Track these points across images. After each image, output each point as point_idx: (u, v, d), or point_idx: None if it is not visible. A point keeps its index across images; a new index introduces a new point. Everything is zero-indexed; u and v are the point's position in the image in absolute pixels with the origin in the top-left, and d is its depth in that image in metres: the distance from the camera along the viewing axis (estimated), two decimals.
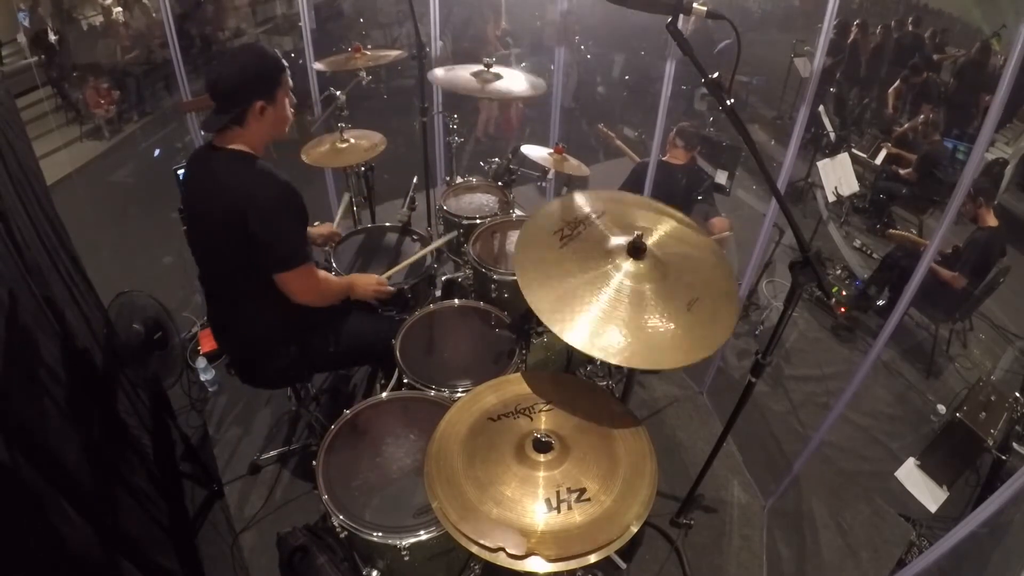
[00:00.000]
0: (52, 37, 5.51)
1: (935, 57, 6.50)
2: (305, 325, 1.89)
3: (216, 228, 1.65)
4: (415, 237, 2.54)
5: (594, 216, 1.56)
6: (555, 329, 1.30)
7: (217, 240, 1.68)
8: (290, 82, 1.68)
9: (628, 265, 1.41)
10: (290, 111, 1.72)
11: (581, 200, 1.63)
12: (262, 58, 1.62)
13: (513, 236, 2.47)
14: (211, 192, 1.63)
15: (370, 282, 1.99)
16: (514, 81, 2.50)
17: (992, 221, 3.34)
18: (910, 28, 6.93)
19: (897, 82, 6.02)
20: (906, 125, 5.35)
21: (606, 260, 1.43)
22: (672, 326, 1.33)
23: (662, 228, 1.57)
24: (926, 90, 5.79)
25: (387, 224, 2.59)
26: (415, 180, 2.62)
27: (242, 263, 1.69)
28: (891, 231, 4.22)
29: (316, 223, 2.34)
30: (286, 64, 1.66)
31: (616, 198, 1.69)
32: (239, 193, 1.58)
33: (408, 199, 2.56)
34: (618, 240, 1.48)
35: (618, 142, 3.78)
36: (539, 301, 1.36)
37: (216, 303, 1.90)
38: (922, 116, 4.86)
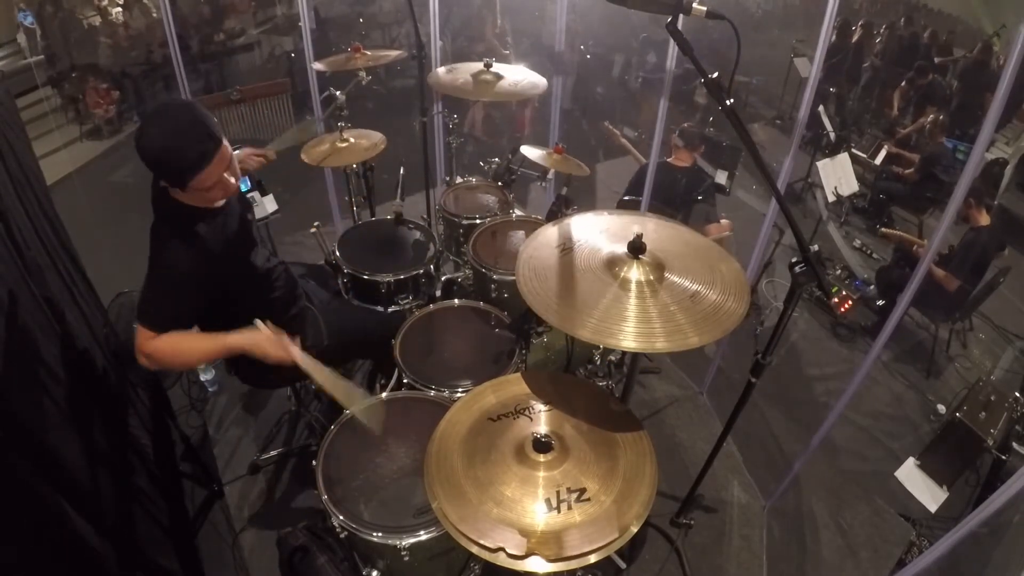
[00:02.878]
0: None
1: (937, 60, 6.49)
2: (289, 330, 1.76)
3: None
4: (411, 226, 2.55)
5: (578, 241, 1.55)
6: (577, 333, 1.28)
7: None
8: (223, 163, 1.47)
9: (632, 264, 1.41)
10: (219, 191, 1.53)
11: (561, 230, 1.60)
12: (165, 153, 1.42)
13: (513, 236, 2.48)
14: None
15: (274, 340, 1.61)
16: (521, 77, 2.50)
17: (984, 220, 3.33)
18: (910, 29, 6.92)
19: (903, 83, 6.00)
20: (910, 127, 5.34)
21: (609, 266, 1.44)
22: (694, 292, 1.34)
23: (650, 229, 1.57)
24: (931, 92, 5.77)
25: (385, 218, 2.61)
26: (402, 171, 2.63)
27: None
28: (884, 230, 4.21)
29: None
30: (201, 159, 1.43)
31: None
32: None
33: (399, 190, 2.57)
34: (614, 247, 1.48)
35: (623, 140, 3.77)
36: (545, 303, 1.36)
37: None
38: (931, 116, 4.84)
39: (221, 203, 1.64)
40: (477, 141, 5.46)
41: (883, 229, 4.24)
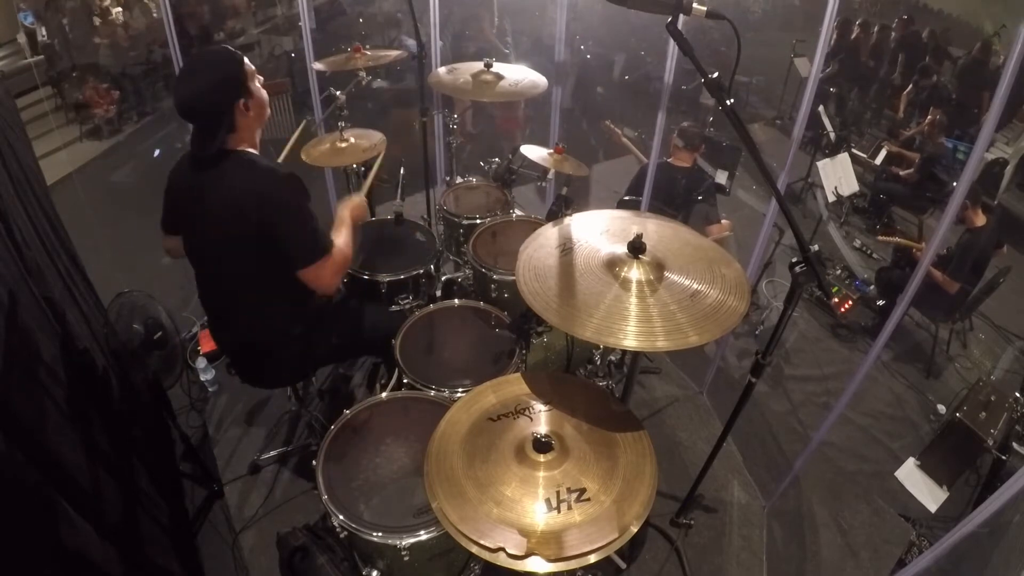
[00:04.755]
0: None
1: (929, 61, 6.49)
2: (311, 318, 1.89)
3: (224, 233, 1.64)
4: (411, 226, 2.55)
5: (578, 241, 1.55)
6: (575, 331, 1.28)
7: (225, 245, 1.67)
8: (251, 64, 1.64)
9: (632, 264, 1.41)
10: (263, 91, 1.69)
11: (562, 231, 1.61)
12: (220, 61, 1.59)
13: (513, 236, 2.48)
14: (218, 197, 1.61)
15: (358, 208, 1.94)
16: (521, 77, 2.51)
17: (980, 221, 3.33)
18: (911, 28, 6.91)
19: (909, 86, 5.98)
20: (914, 129, 5.33)
21: (609, 266, 1.44)
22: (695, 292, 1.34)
23: (650, 229, 1.58)
24: (936, 94, 5.77)
25: (386, 218, 2.60)
26: (403, 171, 2.62)
27: (252, 265, 1.69)
28: (882, 237, 4.21)
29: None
30: (240, 54, 1.62)
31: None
32: (252, 196, 1.58)
33: (399, 189, 2.57)
34: (614, 247, 1.48)
35: (624, 139, 3.76)
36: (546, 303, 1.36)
37: (219, 307, 1.88)
38: (929, 117, 4.85)
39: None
40: (470, 138, 5.43)
41: (881, 236, 4.23)
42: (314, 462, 1.57)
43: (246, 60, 1.62)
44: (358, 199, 1.96)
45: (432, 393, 1.77)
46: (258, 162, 1.64)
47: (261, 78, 1.68)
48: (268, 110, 1.72)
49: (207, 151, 1.60)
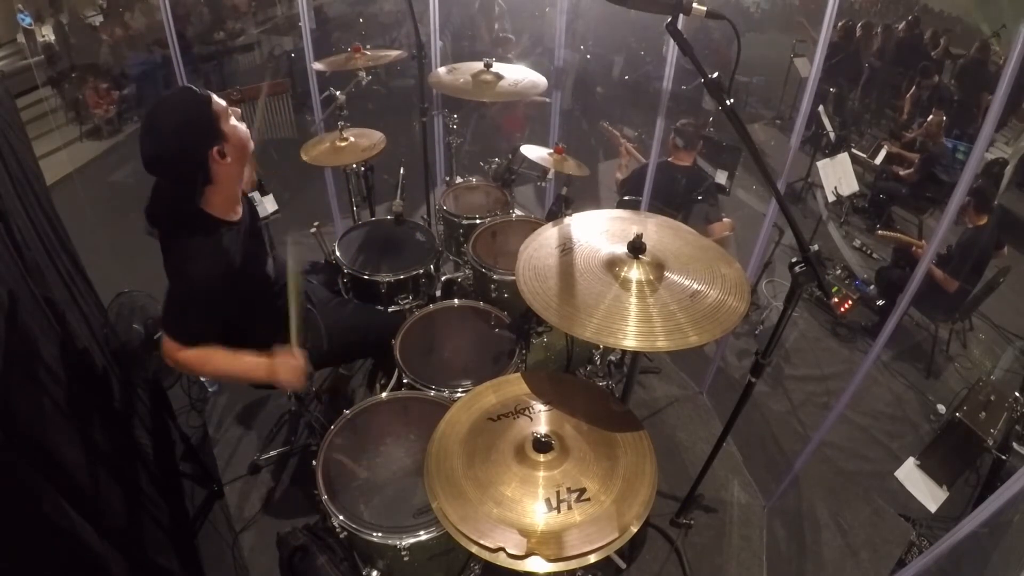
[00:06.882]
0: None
1: (932, 54, 6.49)
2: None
3: None
4: (411, 226, 2.55)
5: (577, 241, 1.55)
6: (575, 331, 1.28)
7: None
8: (222, 102, 1.46)
9: (632, 264, 1.41)
10: (242, 127, 1.50)
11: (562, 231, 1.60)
12: (183, 103, 1.41)
13: (513, 236, 2.48)
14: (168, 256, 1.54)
15: (282, 368, 1.60)
16: (521, 77, 2.51)
17: (979, 220, 3.33)
18: (913, 29, 6.91)
19: (913, 88, 5.98)
20: (916, 131, 5.33)
21: (609, 266, 1.44)
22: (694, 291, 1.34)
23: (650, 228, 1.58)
24: (938, 93, 5.76)
25: (385, 218, 2.61)
26: (403, 171, 2.62)
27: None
28: (881, 232, 4.20)
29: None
30: (208, 93, 1.44)
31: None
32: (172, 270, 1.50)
33: (400, 190, 2.57)
34: (614, 247, 1.48)
35: (623, 140, 3.76)
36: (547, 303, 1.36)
37: None
38: (930, 117, 4.85)
39: (239, 215, 1.61)
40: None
41: (880, 231, 4.23)
42: (314, 462, 1.57)
43: (215, 98, 1.43)
44: (294, 362, 1.59)
45: (432, 393, 1.77)
46: (195, 242, 1.48)
47: (237, 111, 1.50)
48: (251, 146, 1.54)
49: (187, 210, 1.46)
